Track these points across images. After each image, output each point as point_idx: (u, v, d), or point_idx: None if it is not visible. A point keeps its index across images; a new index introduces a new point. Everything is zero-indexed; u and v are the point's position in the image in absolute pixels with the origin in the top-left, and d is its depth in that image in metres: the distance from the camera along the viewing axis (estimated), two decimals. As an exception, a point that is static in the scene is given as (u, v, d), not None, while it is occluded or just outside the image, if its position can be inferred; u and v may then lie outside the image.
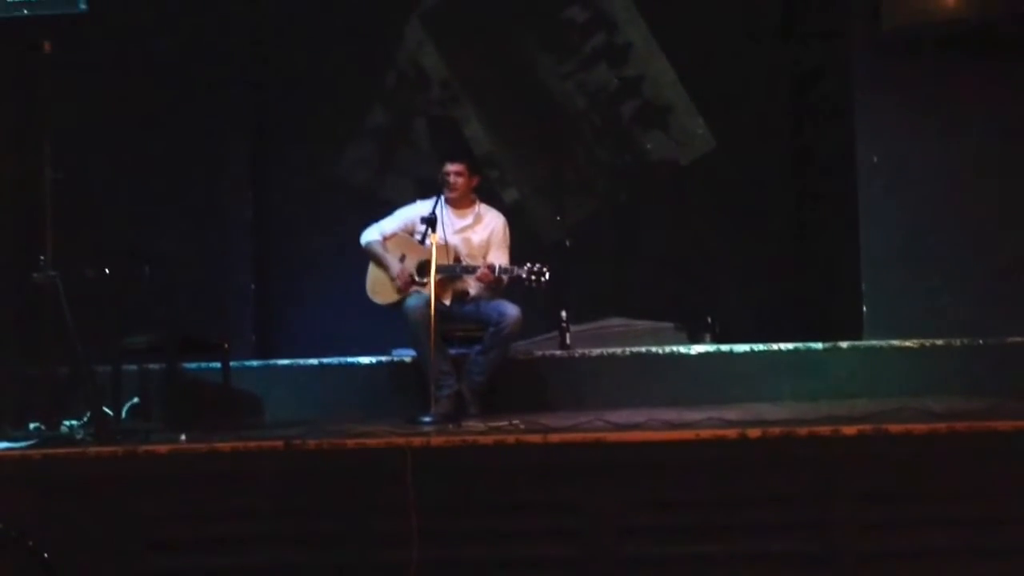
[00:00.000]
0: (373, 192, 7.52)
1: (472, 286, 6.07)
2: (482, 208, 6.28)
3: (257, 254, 7.30)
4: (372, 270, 6.23)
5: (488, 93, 7.74)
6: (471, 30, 7.69)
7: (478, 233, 6.19)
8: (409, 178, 6.74)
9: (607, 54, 7.72)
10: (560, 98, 7.77)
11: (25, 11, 5.35)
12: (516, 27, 7.74)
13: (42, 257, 5.26)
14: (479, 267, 5.90)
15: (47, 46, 5.33)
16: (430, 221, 5.65)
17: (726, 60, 7.51)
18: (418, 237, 6.14)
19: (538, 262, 5.81)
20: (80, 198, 5.87)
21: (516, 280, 5.84)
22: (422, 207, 6.19)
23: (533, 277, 5.76)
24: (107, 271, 5.97)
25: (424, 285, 5.96)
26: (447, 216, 6.04)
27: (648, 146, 7.71)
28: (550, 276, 5.76)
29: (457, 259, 6.01)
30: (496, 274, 5.85)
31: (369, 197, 7.06)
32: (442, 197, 5.97)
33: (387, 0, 7.73)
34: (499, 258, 6.09)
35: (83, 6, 5.34)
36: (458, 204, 6.18)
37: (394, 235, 6.23)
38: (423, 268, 6.02)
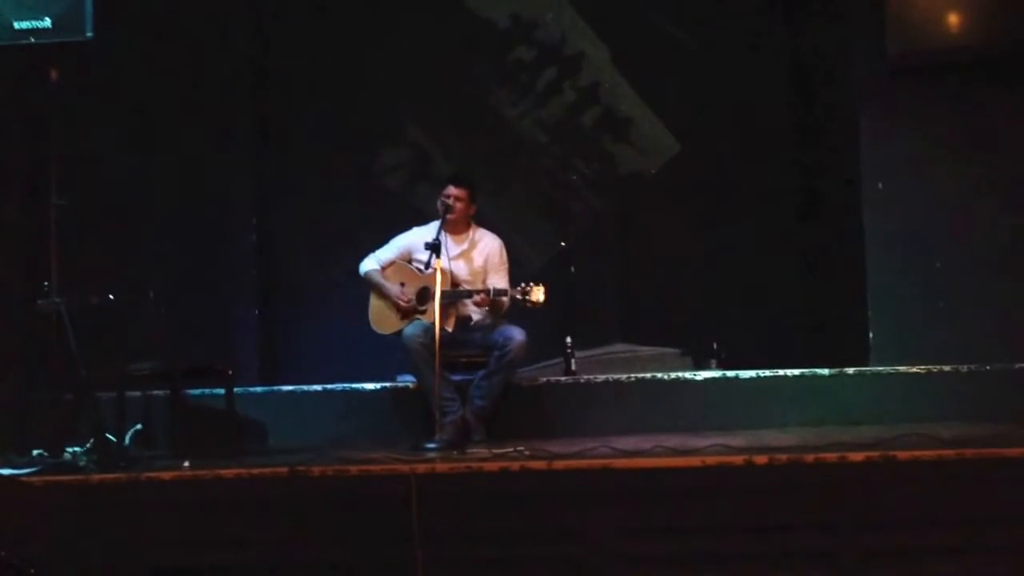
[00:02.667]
0: (396, 205, 7.48)
1: (473, 311, 6.06)
2: (477, 232, 6.28)
3: (261, 280, 7.29)
4: (373, 301, 6.23)
5: (450, 132, 7.72)
6: (424, 71, 7.67)
7: (475, 257, 6.19)
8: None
9: (562, 72, 7.74)
10: (520, 128, 7.76)
11: (32, 39, 5.35)
12: (469, 63, 7.74)
13: (46, 284, 5.27)
14: (476, 292, 5.91)
15: (53, 74, 5.35)
16: (434, 247, 5.64)
17: (731, 86, 7.53)
18: (416, 265, 6.15)
19: (531, 281, 5.80)
20: (84, 225, 5.87)
21: (514, 301, 5.84)
22: (418, 234, 6.21)
23: (527, 297, 5.76)
24: (111, 298, 5.96)
25: (424, 313, 5.97)
26: (444, 241, 5.99)
27: (615, 158, 7.71)
28: (545, 295, 5.74)
29: (455, 284, 6.01)
30: (492, 297, 5.86)
31: (378, 221, 7.03)
32: (440, 222, 5.99)
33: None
34: (498, 281, 6.10)
35: (89, 33, 5.34)
36: (455, 229, 6.18)
37: (391, 263, 6.25)
38: (422, 295, 6.03)
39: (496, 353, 5.87)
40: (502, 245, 6.28)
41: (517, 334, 5.87)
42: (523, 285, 5.79)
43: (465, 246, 6.21)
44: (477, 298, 5.89)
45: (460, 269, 6.11)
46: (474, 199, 6.25)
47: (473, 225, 6.29)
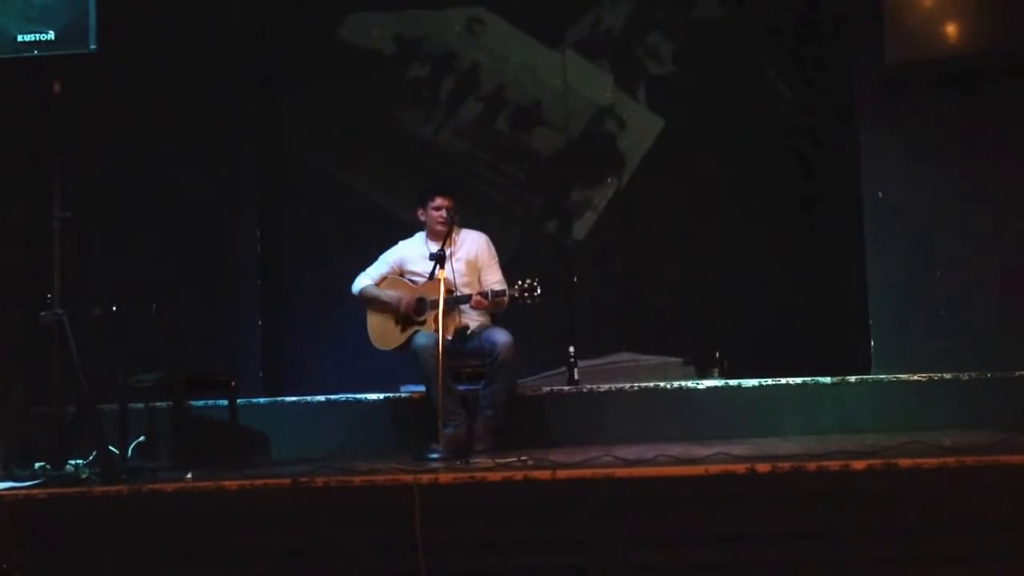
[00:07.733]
0: (389, 217, 7.50)
1: (470, 319, 6.05)
2: (461, 232, 6.22)
3: (264, 291, 7.30)
4: (372, 318, 6.22)
5: (372, 161, 7.76)
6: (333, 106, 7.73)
7: (462, 257, 6.15)
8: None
9: (462, 78, 7.79)
10: (439, 142, 7.79)
11: (36, 51, 5.36)
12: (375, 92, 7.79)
13: (49, 296, 5.27)
14: (472, 295, 5.91)
15: (57, 86, 5.36)
16: (439, 257, 5.63)
17: (732, 96, 7.56)
18: (409, 277, 6.16)
19: (527, 277, 5.79)
20: (87, 237, 5.88)
21: (512, 299, 5.82)
22: (406, 247, 6.24)
23: (525, 294, 5.75)
24: (114, 309, 5.97)
25: (423, 324, 5.97)
26: (431, 249, 5.97)
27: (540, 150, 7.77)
28: (542, 290, 5.73)
29: (451, 290, 5.98)
30: (489, 299, 5.86)
31: (380, 228, 7.03)
32: (424, 233, 6.06)
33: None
34: (492, 275, 6.11)
35: (93, 46, 5.35)
36: (442, 236, 6.14)
37: (384, 278, 6.25)
38: (419, 306, 6.02)
39: (488, 360, 5.85)
40: (488, 239, 6.26)
41: (501, 336, 5.82)
42: (521, 283, 5.78)
43: (453, 248, 6.18)
44: (473, 302, 5.89)
45: (455, 273, 6.08)
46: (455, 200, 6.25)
47: (455, 227, 6.25)
